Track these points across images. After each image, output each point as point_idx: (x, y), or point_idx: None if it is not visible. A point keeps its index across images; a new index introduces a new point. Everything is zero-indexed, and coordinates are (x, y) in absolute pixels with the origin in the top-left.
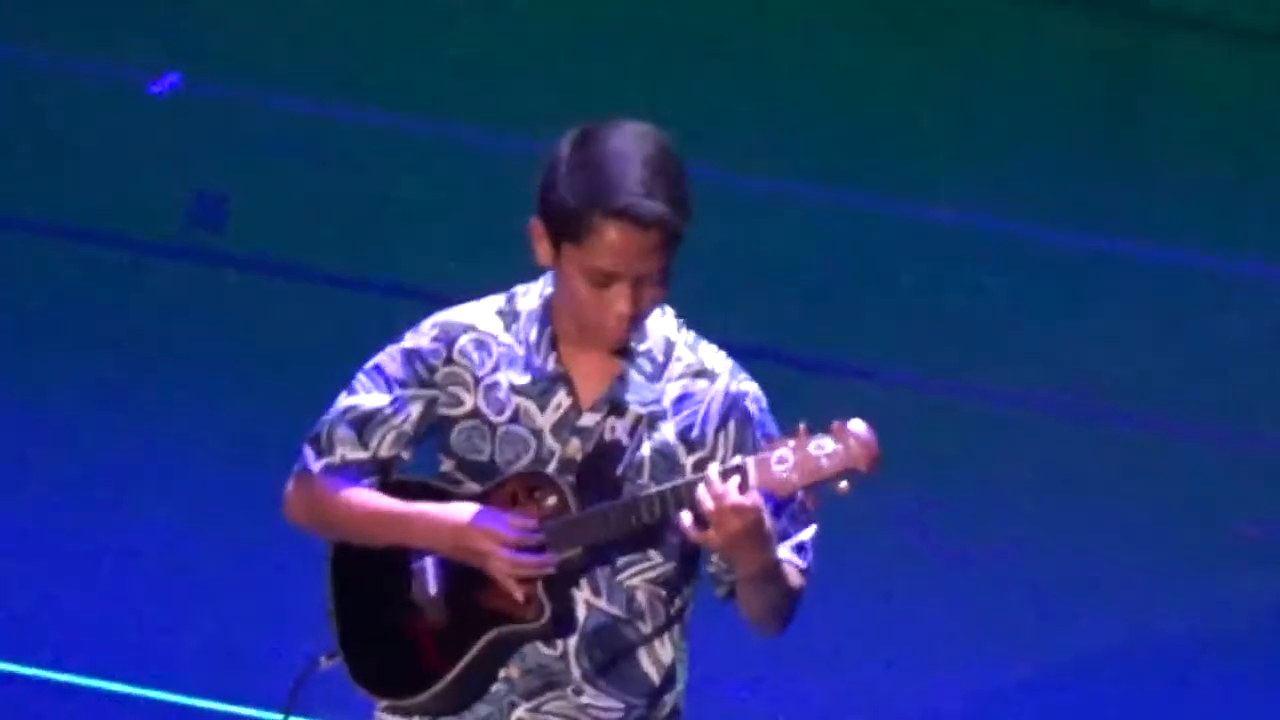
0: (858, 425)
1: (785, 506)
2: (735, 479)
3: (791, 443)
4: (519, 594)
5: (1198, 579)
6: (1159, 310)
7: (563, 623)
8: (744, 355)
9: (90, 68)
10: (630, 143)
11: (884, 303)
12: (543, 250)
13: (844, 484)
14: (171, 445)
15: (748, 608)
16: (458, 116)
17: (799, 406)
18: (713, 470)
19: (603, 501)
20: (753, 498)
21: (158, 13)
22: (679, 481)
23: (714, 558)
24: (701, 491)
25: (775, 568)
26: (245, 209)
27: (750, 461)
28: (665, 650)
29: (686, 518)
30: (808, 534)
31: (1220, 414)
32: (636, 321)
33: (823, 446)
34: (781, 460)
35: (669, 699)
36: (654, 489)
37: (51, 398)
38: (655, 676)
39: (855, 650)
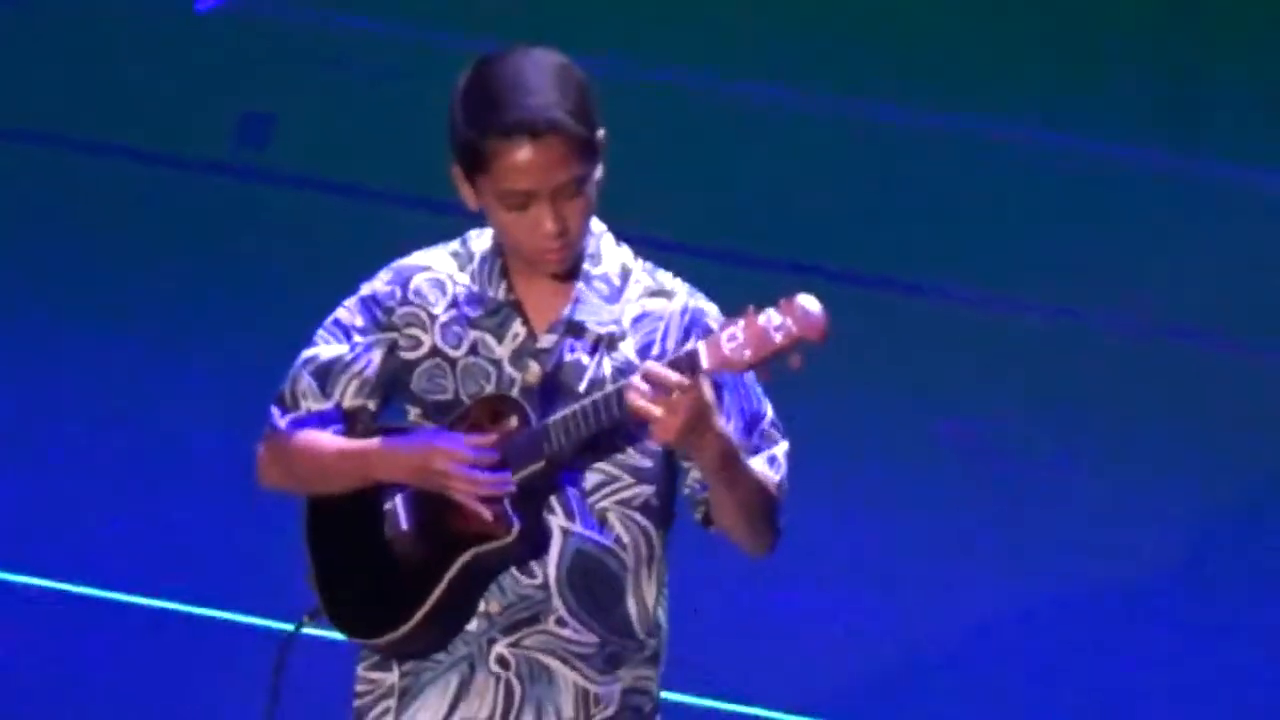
0: (805, 298)
1: (755, 424)
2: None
3: (741, 321)
4: (486, 513)
5: (1251, 498)
6: (1209, 226)
7: (533, 538)
8: (791, 269)
9: None
10: (519, 65)
11: (936, 218)
12: (466, 193)
13: (796, 358)
14: (218, 360)
15: (724, 518)
16: (512, 33)
17: (847, 322)
18: (655, 365)
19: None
20: (695, 378)
21: None
22: (631, 378)
23: (688, 479)
24: (641, 379)
25: (737, 458)
26: (292, 127)
27: (700, 344)
28: (650, 589)
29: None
30: (780, 449)
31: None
32: (569, 238)
33: (771, 319)
34: (732, 338)
35: (652, 643)
36: (608, 389)
37: (98, 314)
38: (637, 617)
39: (905, 566)
